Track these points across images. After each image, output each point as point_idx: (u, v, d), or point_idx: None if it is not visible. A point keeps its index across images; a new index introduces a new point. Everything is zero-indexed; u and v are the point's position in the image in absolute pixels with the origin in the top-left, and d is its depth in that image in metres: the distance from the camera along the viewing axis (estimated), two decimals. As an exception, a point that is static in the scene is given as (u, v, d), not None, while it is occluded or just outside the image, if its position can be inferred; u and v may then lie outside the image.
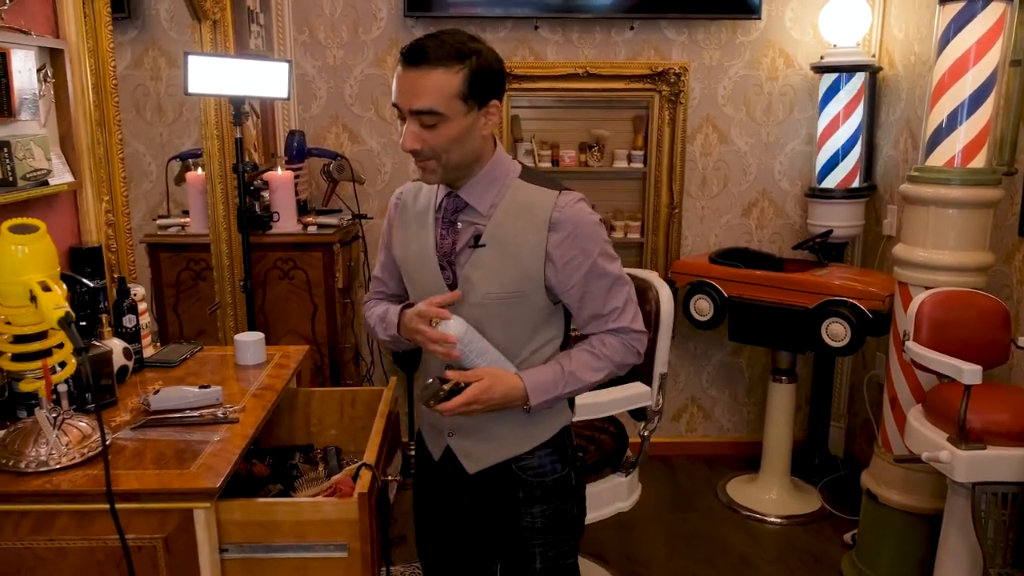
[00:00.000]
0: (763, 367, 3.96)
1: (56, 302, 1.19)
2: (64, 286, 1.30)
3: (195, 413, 1.55)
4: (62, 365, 1.34)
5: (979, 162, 2.62)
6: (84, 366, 1.12)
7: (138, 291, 1.84)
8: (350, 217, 3.36)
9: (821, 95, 3.53)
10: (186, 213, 3.24)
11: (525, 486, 1.66)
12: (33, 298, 1.21)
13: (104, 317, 1.69)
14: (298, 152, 3.27)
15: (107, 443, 1.19)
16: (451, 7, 3.48)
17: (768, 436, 3.58)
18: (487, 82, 1.47)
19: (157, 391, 1.56)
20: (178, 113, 3.53)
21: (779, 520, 3.45)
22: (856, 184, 3.55)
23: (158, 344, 2.01)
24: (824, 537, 3.32)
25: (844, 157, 3.52)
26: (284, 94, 2.35)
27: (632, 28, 3.60)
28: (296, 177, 3.17)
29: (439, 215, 1.59)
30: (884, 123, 3.59)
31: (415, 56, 1.40)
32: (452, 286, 1.57)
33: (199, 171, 3.07)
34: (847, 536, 3.22)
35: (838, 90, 3.46)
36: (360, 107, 3.63)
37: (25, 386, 1.32)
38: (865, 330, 3.05)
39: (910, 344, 2.44)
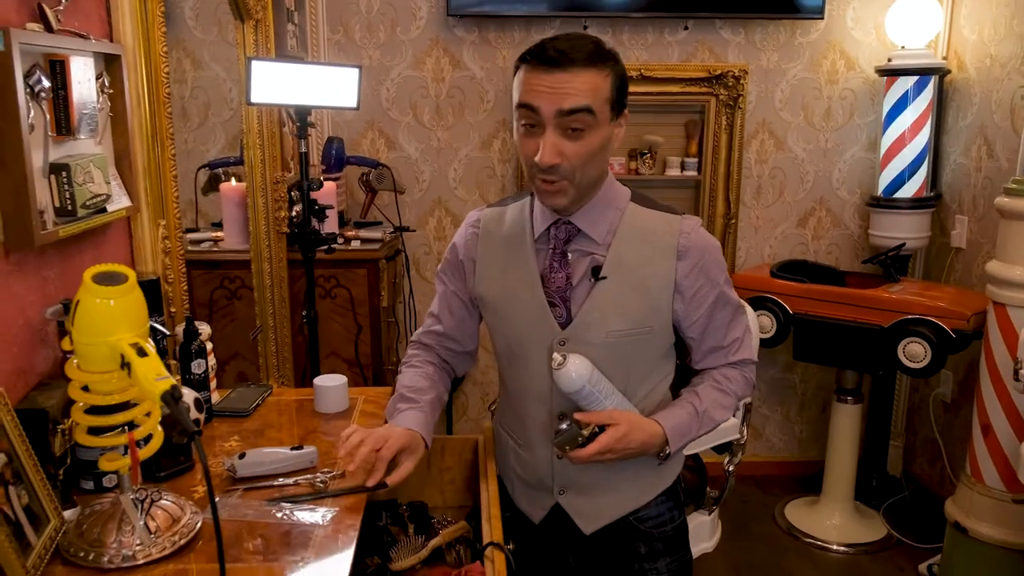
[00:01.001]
0: (817, 384, 3.77)
1: (156, 371, 0.97)
2: (153, 344, 1.09)
3: (289, 481, 1.33)
4: (145, 439, 1.12)
5: (1086, 174, 2.44)
6: (201, 455, 0.91)
7: (204, 330, 1.62)
8: (392, 230, 3.14)
9: (887, 99, 3.34)
10: (216, 226, 3.02)
11: (646, 539, 1.50)
12: (124, 364, 1.00)
13: (172, 364, 1.47)
14: (336, 161, 3.05)
15: (219, 535, 0.97)
16: (497, 5, 3.26)
17: (831, 459, 3.39)
18: (626, 89, 1.33)
19: (243, 455, 1.34)
20: (203, 118, 3.30)
21: (844, 548, 3.26)
22: (923, 193, 3.36)
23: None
24: (895, 567, 3.13)
25: (911, 165, 3.33)
26: (354, 103, 2.13)
27: (686, 28, 3.39)
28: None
29: (546, 245, 1.40)
30: (952, 129, 3.40)
31: (559, 58, 1.23)
32: (565, 324, 1.38)
33: (232, 181, 2.85)
34: (923, 567, 3.04)
35: (906, 94, 3.27)
36: (398, 111, 3.41)
37: (106, 464, 1.10)
38: (947, 350, 2.87)
39: (1029, 375, 2.25)
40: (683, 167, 3.50)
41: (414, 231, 3.35)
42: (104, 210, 1.46)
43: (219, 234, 2.88)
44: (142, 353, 0.99)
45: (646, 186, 3.53)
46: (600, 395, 1.34)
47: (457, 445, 1.72)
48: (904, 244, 3.27)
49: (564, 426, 1.33)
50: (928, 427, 3.51)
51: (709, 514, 2.41)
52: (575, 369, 1.31)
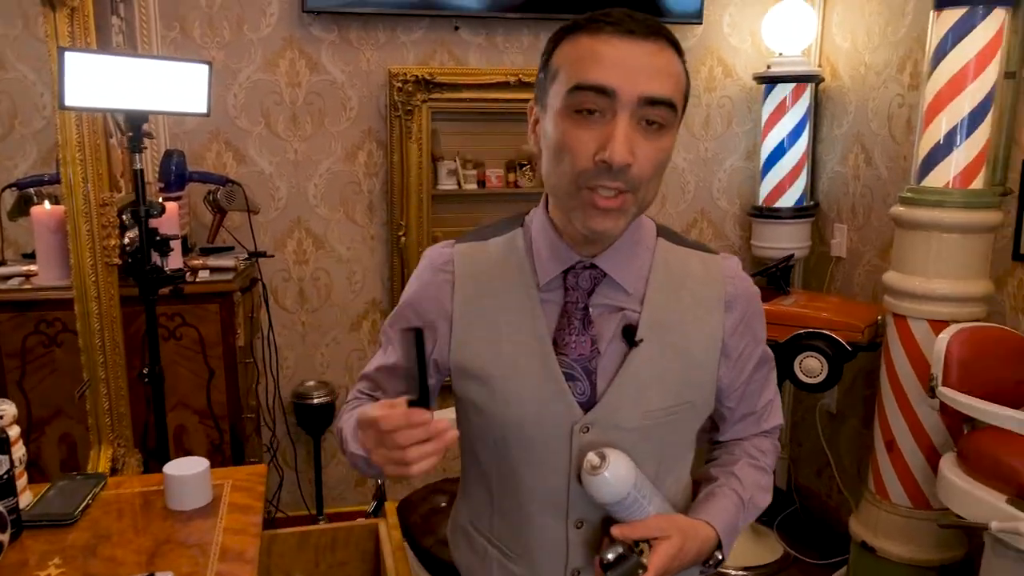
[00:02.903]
0: (704, 399, 3.67)
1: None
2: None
3: (138, 627, 0.96)
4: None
5: (978, 183, 2.41)
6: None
7: (6, 411, 1.20)
8: (246, 256, 2.73)
9: (764, 107, 3.27)
10: (28, 257, 2.52)
11: None
12: None
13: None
14: (177, 178, 2.61)
15: None
16: (358, 4, 2.92)
17: (725, 479, 3.27)
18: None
19: (68, 596, 0.96)
20: (8, 128, 2.78)
21: (741, 573, 3.14)
22: (803, 202, 3.32)
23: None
24: (797, 588, 3.05)
25: (790, 174, 3.28)
26: (203, 108, 1.74)
27: (563, 31, 3.18)
28: (176, 209, 2.51)
29: (558, 296, 1.05)
30: (827, 137, 3.38)
31: (637, 26, 0.92)
32: (588, 405, 1.03)
33: (46, 204, 2.36)
34: (828, 587, 2.97)
35: (784, 103, 3.21)
36: (247, 120, 3.00)
37: None
38: (843, 363, 2.80)
39: (948, 392, 2.16)
40: (564, 179, 3.29)
41: (272, 256, 2.95)
42: None
43: (32, 267, 2.39)
44: None
45: (525, 199, 3.30)
46: (644, 501, 1.02)
47: (352, 534, 1.39)
48: (793, 255, 3.21)
49: (611, 556, 0.97)
50: (814, 438, 3.46)
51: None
52: (615, 474, 0.98)
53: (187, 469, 1.25)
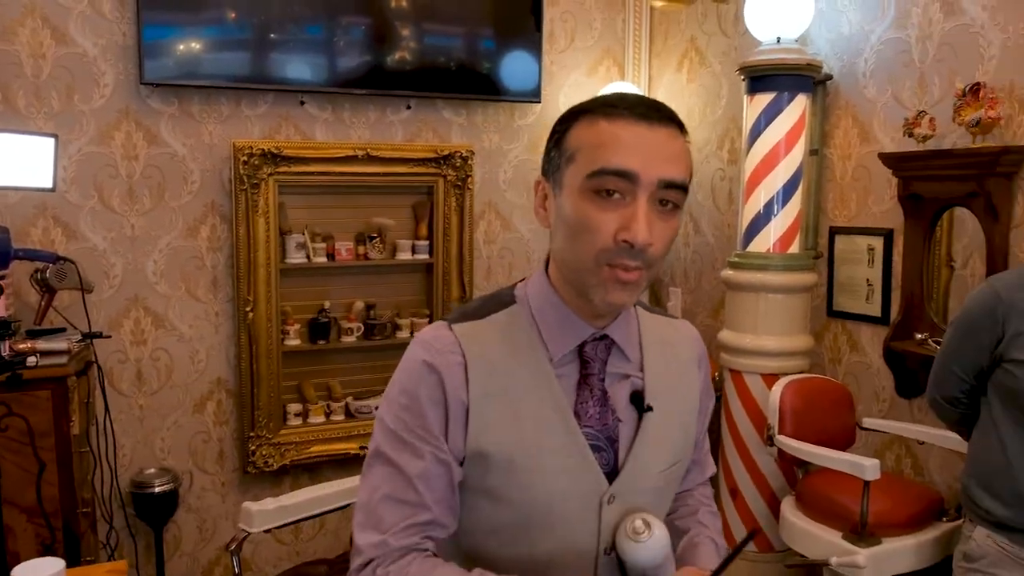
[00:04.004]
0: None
1: None
2: None
3: None
4: None
5: (795, 248, 2.68)
6: None
7: None
8: (79, 338, 2.55)
9: (602, 180, 3.48)
10: None
11: None
12: None
13: None
14: (1, 256, 2.41)
15: None
16: (199, 76, 2.87)
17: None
18: None
19: None
20: None
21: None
22: (639, 268, 3.54)
23: None
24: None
25: (627, 242, 3.49)
26: (48, 183, 1.64)
27: (409, 107, 3.27)
28: None
29: (572, 370, 1.05)
30: (658, 207, 3.63)
31: (650, 112, 0.96)
32: (613, 473, 1.03)
33: None
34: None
35: (619, 175, 3.43)
36: (79, 193, 2.83)
37: None
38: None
39: (785, 440, 2.35)
40: (414, 250, 3.33)
41: (108, 337, 2.76)
42: None
43: None
44: None
45: (374, 271, 3.30)
46: (673, 565, 1.01)
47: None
48: (634, 318, 3.39)
49: None
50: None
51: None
52: (658, 536, 0.97)
53: (39, 572, 1.15)
